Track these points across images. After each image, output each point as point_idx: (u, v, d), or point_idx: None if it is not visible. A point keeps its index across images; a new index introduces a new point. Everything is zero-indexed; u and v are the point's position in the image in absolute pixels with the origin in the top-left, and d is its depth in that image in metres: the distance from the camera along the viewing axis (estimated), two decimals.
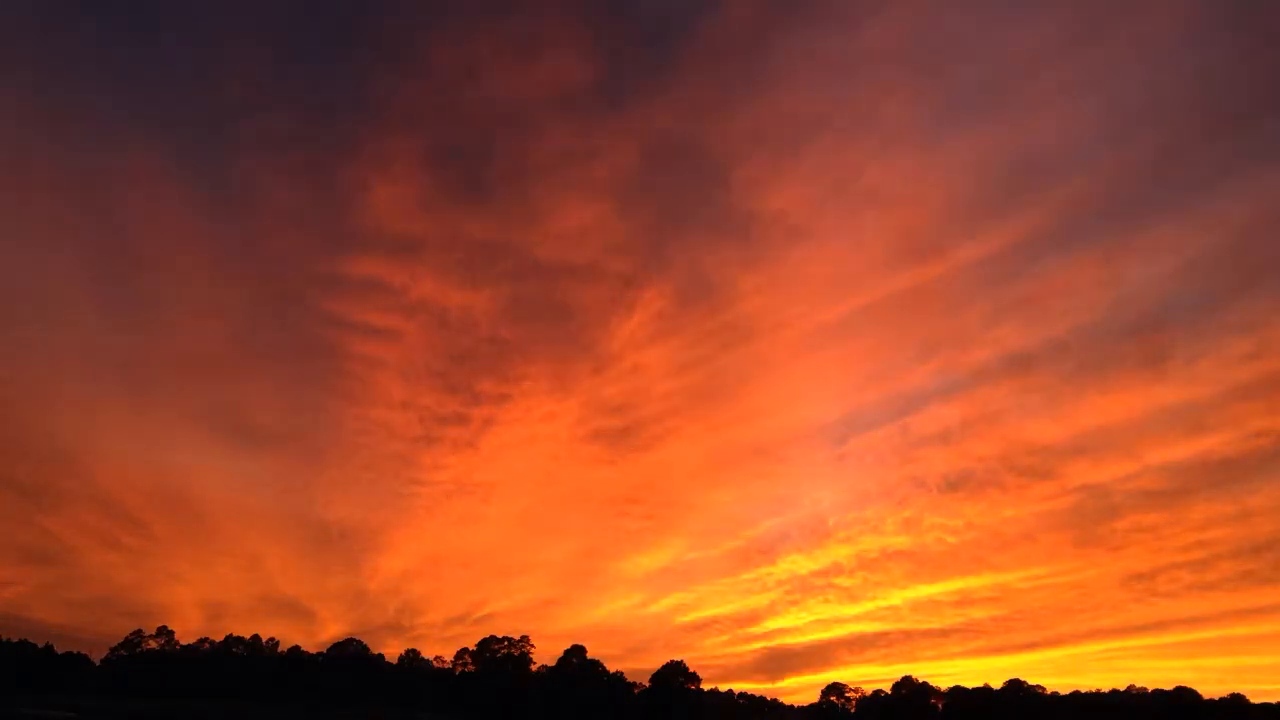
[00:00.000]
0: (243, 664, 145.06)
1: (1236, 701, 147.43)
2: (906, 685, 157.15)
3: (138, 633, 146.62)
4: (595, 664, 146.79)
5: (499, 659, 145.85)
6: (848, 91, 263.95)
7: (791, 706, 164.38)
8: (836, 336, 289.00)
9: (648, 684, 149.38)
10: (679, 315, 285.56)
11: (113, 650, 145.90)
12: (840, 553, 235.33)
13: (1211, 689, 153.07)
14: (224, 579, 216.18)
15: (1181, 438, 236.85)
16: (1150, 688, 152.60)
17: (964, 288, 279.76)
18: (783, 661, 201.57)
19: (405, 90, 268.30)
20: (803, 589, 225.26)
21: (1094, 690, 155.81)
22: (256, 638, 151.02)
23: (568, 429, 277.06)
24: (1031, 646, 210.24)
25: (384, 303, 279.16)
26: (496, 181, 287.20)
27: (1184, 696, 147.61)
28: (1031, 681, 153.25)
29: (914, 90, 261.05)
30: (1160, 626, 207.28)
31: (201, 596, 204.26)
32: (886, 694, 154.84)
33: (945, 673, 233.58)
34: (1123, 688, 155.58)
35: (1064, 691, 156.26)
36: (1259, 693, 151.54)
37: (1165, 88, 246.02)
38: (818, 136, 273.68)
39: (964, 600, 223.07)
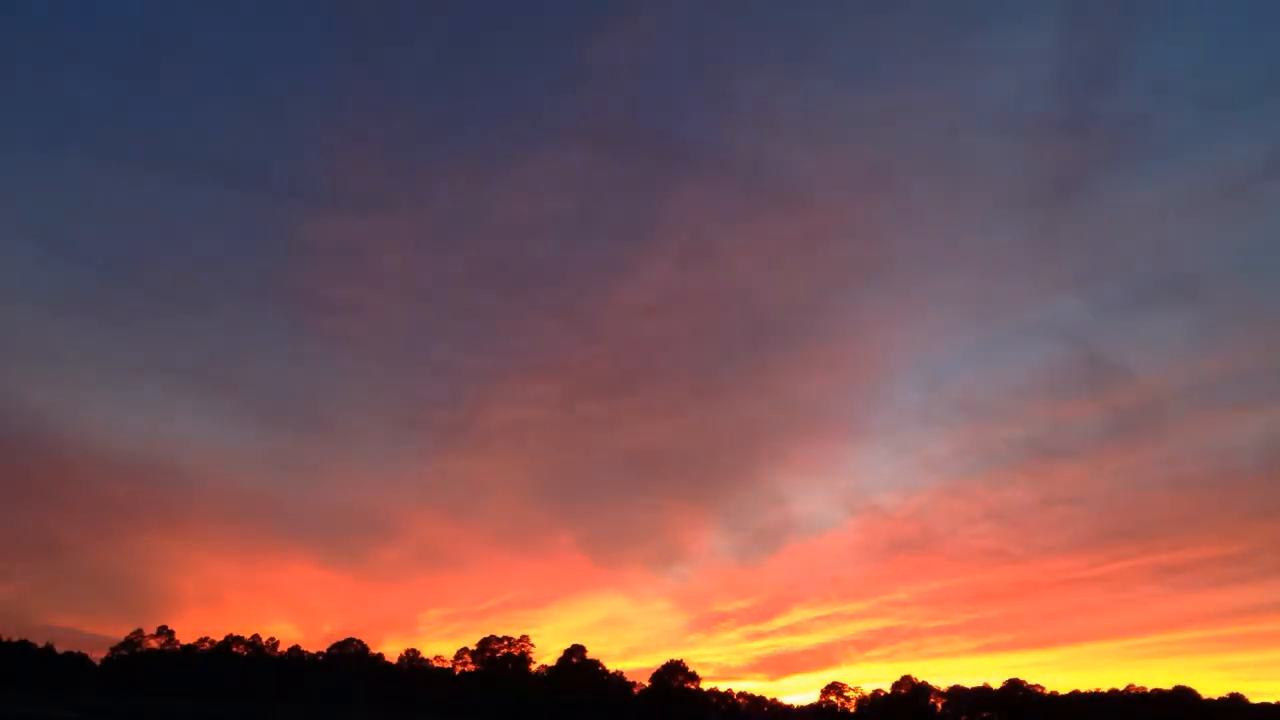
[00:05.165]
0: (243, 663, 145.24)
1: (1236, 701, 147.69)
2: (906, 684, 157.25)
3: (138, 632, 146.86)
4: (595, 663, 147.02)
5: (499, 658, 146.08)
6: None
7: (791, 706, 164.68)
8: (848, 302, 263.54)
9: (648, 683, 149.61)
10: (679, 279, 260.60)
11: (113, 650, 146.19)
12: (846, 544, 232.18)
13: (1247, 688, 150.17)
14: (223, 574, 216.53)
15: (1227, 414, 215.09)
16: (1149, 687, 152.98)
17: (991, 244, 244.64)
18: (785, 660, 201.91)
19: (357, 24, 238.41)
20: (807, 583, 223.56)
21: (1094, 690, 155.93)
22: (257, 637, 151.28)
23: (564, 411, 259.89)
24: (1048, 643, 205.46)
25: (355, 272, 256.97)
26: (472, 129, 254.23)
27: (1184, 696, 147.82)
28: (1049, 680, 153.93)
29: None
30: (1188, 622, 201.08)
31: (201, 593, 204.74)
32: (886, 693, 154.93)
33: (955, 671, 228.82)
34: (1121, 687, 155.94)
35: (1064, 691, 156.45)
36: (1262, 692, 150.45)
37: None
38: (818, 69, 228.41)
39: (977, 595, 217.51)
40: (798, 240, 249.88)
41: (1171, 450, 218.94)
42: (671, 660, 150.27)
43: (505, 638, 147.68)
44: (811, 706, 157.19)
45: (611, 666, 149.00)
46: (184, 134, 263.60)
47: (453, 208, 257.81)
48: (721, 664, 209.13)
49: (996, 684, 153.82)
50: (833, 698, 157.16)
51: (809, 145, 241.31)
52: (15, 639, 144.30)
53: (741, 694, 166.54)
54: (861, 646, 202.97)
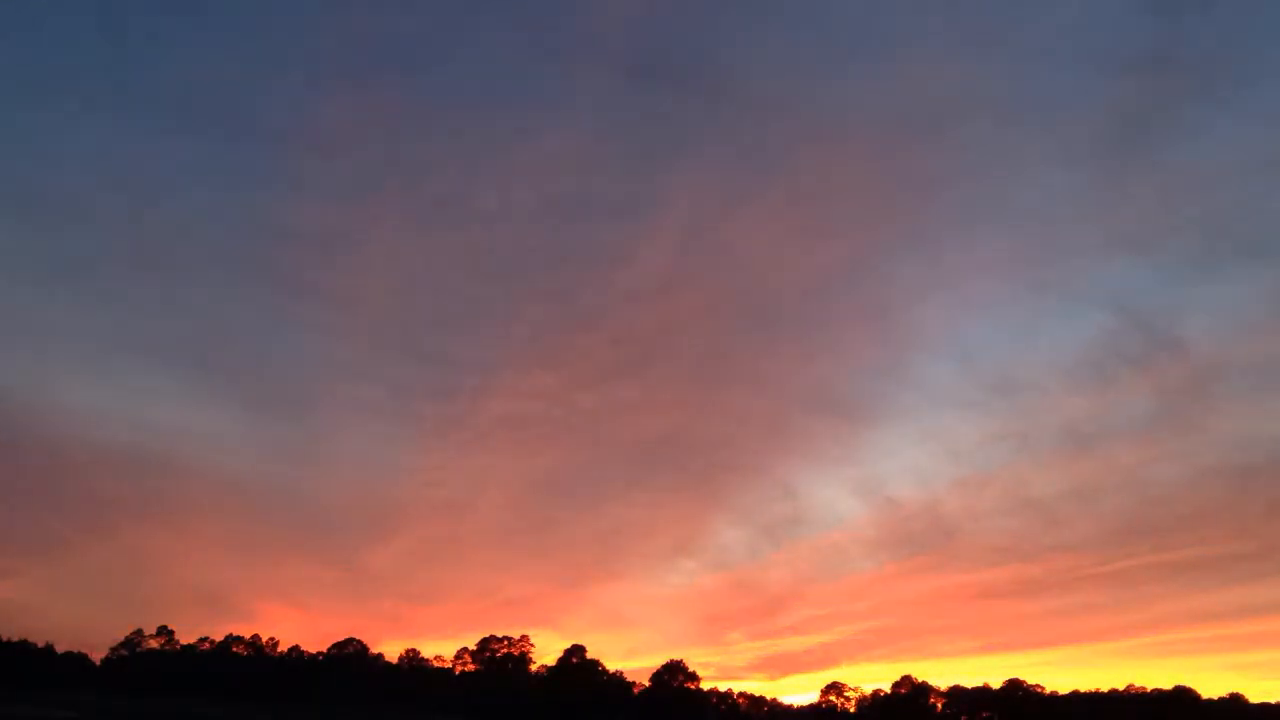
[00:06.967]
0: (243, 664, 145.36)
1: (1236, 701, 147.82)
2: (906, 684, 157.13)
3: (138, 632, 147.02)
4: (595, 663, 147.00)
5: (499, 659, 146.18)
6: None
7: (791, 706, 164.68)
8: (873, 273, 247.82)
9: (647, 683, 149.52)
10: (681, 260, 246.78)
11: (113, 650, 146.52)
12: (853, 540, 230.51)
13: (1252, 688, 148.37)
14: (223, 573, 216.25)
15: (1270, 402, 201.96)
16: (1149, 687, 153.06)
17: (1042, 200, 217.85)
18: (785, 660, 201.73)
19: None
20: (810, 581, 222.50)
21: (1094, 690, 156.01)
22: (256, 637, 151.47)
23: (563, 404, 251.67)
24: (1052, 643, 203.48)
25: (345, 257, 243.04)
26: (465, 109, 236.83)
27: (1183, 696, 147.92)
28: (1052, 680, 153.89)
29: None
30: (1194, 620, 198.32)
31: (201, 593, 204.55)
32: (885, 693, 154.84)
33: (957, 670, 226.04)
34: (1122, 687, 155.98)
35: (1064, 691, 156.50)
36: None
37: None
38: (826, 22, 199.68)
39: (983, 593, 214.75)
40: (815, 206, 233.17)
41: (1204, 440, 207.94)
42: (671, 660, 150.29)
43: (505, 637, 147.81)
44: (811, 707, 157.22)
45: (611, 666, 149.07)
46: (169, 107, 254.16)
47: (445, 190, 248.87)
48: (722, 664, 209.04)
49: (997, 684, 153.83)
50: (832, 698, 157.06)
51: (830, 94, 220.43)
52: (15, 639, 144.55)
53: (742, 694, 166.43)
54: (864, 646, 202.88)
